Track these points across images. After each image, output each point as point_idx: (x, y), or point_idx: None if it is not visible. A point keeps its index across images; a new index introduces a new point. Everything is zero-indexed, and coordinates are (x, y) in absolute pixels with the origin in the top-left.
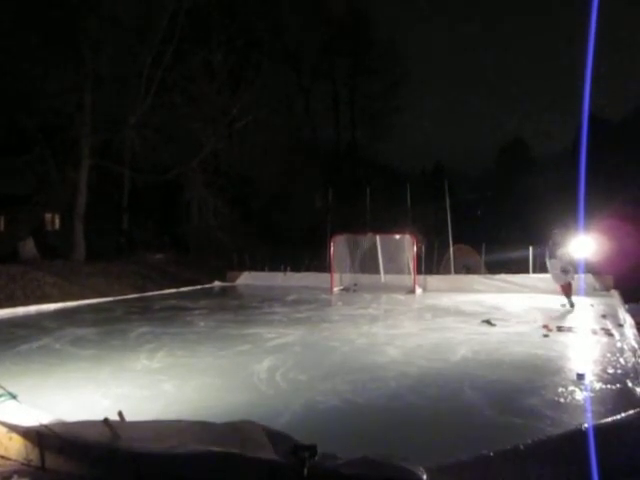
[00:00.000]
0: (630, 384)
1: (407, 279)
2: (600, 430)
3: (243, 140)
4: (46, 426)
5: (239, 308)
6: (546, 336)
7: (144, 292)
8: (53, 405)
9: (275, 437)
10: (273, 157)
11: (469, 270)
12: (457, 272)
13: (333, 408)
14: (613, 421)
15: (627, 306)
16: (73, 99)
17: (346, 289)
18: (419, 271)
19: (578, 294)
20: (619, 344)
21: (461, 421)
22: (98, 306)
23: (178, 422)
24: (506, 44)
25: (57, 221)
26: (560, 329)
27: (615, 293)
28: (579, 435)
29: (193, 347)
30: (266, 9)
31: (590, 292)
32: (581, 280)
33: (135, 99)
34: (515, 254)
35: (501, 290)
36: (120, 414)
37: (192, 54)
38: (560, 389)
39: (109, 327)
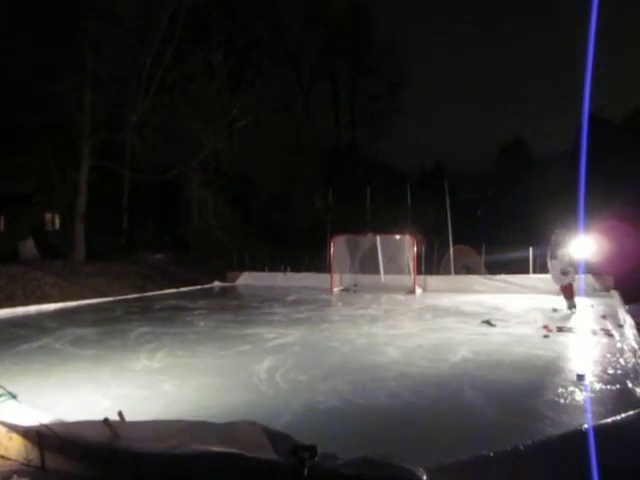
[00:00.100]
0: (630, 385)
1: (407, 279)
2: (600, 431)
3: (243, 140)
4: (46, 426)
5: (239, 308)
6: (546, 337)
7: (144, 292)
8: (53, 405)
9: (275, 437)
10: (273, 157)
11: (469, 270)
12: (457, 272)
13: (333, 408)
14: (613, 422)
15: (627, 307)
16: (73, 99)
17: (346, 289)
18: (419, 271)
19: (578, 295)
20: (619, 345)
21: (461, 421)
22: (98, 306)
23: (178, 422)
24: (506, 44)
25: (57, 221)
26: (560, 330)
27: (615, 294)
28: (579, 436)
29: (193, 347)
30: (266, 9)
31: (590, 293)
32: (581, 281)
33: (135, 99)
34: (515, 254)
35: (501, 290)
36: (120, 414)
37: (192, 54)
38: (560, 390)
39: (109, 327)
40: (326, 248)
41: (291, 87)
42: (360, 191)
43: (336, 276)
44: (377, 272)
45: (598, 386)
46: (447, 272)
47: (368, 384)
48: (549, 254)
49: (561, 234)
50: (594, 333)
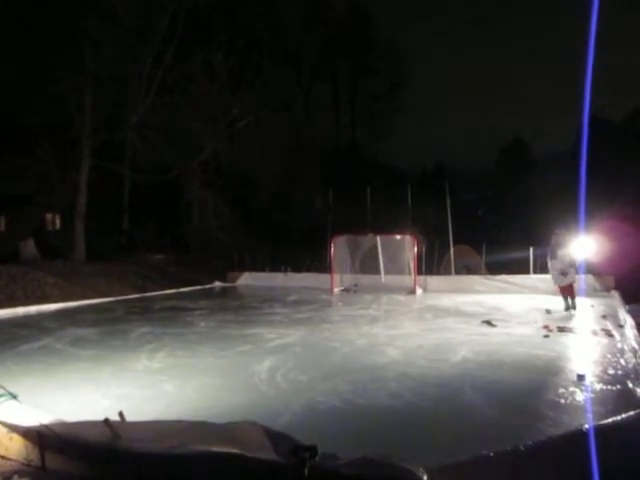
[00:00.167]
0: (630, 385)
1: (407, 280)
2: (601, 431)
3: (243, 140)
4: (46, 426)
5: (239, 308)
6: (547, 337)
7: (144, 292)
8: (54, 405)
9: (276, 437)
10: (273, 157)
11: (469, 271)
12: (457, 273)
13: (333, 408)
14: (613, 422)
15: (627, 307)
16: (74, 99)
17: (346, 290)
18: (419, 272)
19: (579, 295)
20: (619, 345)
21: (461, 421)
22: (99, 306)
23: (179, 422)
24: (506, 44)
25: (58, 221)
26: (561, 330)
27: (615, 294)
28: (579, 436)
29: (194, 347)
30: (266, 9)
31: (591, 293)
32: (582, 281)
33: (135, 99)
34: (516, 255)
35: (502, 291)
36: (121, 414)
37: (192, 54)
38: (560, 390)
39: (110, 327)
40: (326, 248)
41: (291, 87)
42: (360, 191)
43: (336, 276)
44: (377, 272)
45: (598, 386)
46: (447, 272)
47: (368, 384)
48: (549, 254)
49: (562, 234)
50: (594, 333)
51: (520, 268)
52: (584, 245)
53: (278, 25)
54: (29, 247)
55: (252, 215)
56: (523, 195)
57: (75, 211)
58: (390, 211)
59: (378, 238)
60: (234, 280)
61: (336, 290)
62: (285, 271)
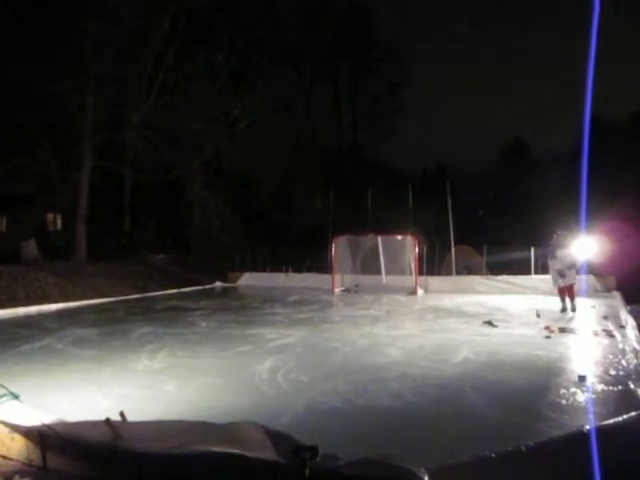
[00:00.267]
0: (632, 386)
1: (409, 280)
2: (602, 432)
3: (244, 141)
4: (48, 426)
5: (240, 309)
6: (548, 337)
7: (146, 292)
8: (55, 405)
9: (276, 438)
10: (274, 158)
11: (471, 271)
12: (459, 273)
13: (334, 409)
14: (615, 423)
15: (629, 307)
16: (75, 100)
17: (347, 290)
18: (421, 272)
19: (580, 295)
20: (621, 345)
21: (462, 422)
22: (100, 306)
23: (179, 423)
24: (507, 44)
25: (59, 222)
26: (562, 330)
27: (617, 294)
28: (581, 437)
29: (194, 347)
30: (267, 10)
31: (592, 293)
32: (583, 281)
33: (137, 100)
34: (517, 255)
35: (503, 291)
36: (122, 414)
37: (194, 55)
38: (562, 390)
39: (111, 327)
40: (327, 248)
41: (292, 88)
42: (361, 192)
43: (337, 277)
44: (378, 273)
45: (600, 387)
46: (449, 273)
47: (369, 385)
48: (549, 255)
49: (563, 235)
50: (596, 334)
51: (521, 268)
52: (585, 245)
53: (279, 25)
54: (30, 247)
55: (253, 215)
56: (524, 195)
57: (76, 212)
58: (391, 211)
59: (379, 238)
60: (235, 280)
61: (337, 290)
62: (286, 271)
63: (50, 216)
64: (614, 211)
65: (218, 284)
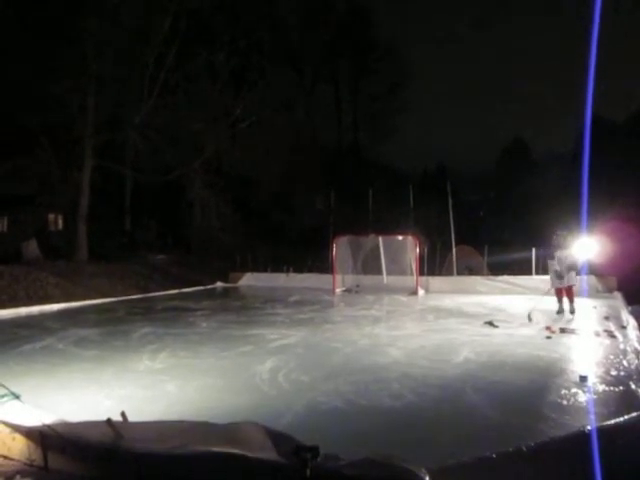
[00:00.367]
0: (633, 386)
1: (409, 280)
2: (603, 432)
3: (245, 141)
4: (49, 426)
5: (241, 309)
6: (549, 338)
7: (147, 293)
8: (56, 405)
9: (277, 438)
10: (275, 158)
11: (471, 271)
12: (459, 273)
13: (335, 409)
14: (616, 423)
15: (630, 308)
16: (75, 100)
17: (348, 290)
18: (421, 272)
19: (582, 296)
20: (622, 346)
21: (463, 422)
22: (101, 307)
23: (180, 423)
24: (507, 44)
25: (60, 222)
26: (563, 331)
27: (618, 295)
28: (582, 437)
29: (195, 348)
30: (267, 10)
31: (593, 294)
32: (584, 282)
33: (138, 100)
34: (517, 255)
35: (504, 291)
36: (123, 415)
37: (194, 55)
38: (563, 391)
39: (112, 328)
40: (328, 249)
41: (293, 88)
42: (362, 192)
43: (338, 277)
44: (379, 273)
45: (601, 387)
46: (449, 273)
47: (370, 385)
48: (549, 255)
49: (562, 235)
50: (597, 334)
51: (522, 269)
52: (586, 246)
53: (279, 26)
54: (31, 247)
55: (254, 215)
56: (524, 196)
57: (77, 212)
58: (392, 212)
59: (380, 239)
60: (236, 281)
61: (338, 291)
62: (287, 272)
63: (51, 216)
64: (615, 211)
65: (219, 284)
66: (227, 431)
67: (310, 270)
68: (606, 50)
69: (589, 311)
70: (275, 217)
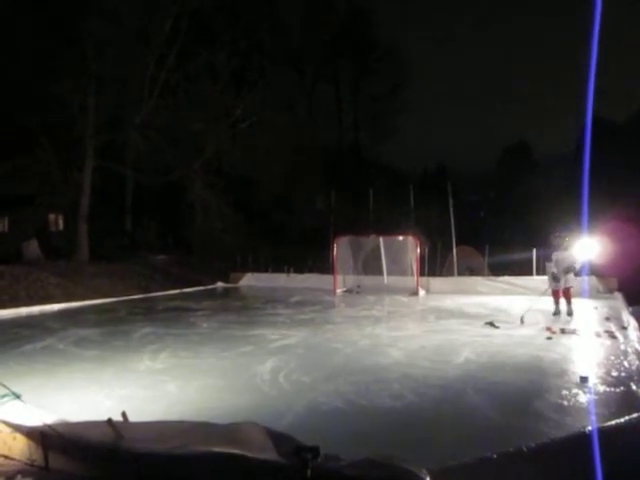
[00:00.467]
0: (634, 387)
1: (410, 281)
2: (604, 433)
3: (245, 141)
4: (50, 426)
5: (242, 309)
6: (549, 338)
7: (147, 293)
8: (57, 405)
9: (278, 438)
10: (276, 158)
11: (472, 272)
12: (460, 274)
13: (336, 409)
14: (617, 424)
15: (631, 308)
16: (76, 100)
17: (349, 291)
18: (422, 273)
19: (582, 296)
20: (623, 347)
21: (464, 423)
22: (101, 307)
23: (181, 423)
24: (507, 44)
25: (61, 222)
26: (563, 332)
27: (619, 295)
28: (582, 438)
29: (196, 348)
30: (268, 10)
31: (594, 294)
32: (585, 282)
33: (138, 100)
34: (518, 256)
35: (504, 292)
36: (123, 415)
37: (195, 55)
38: (563, 392)
39: (112, 328)
40: (329, 249)
41: (294, 88)
42: (363, 192)
43: (339, 277)
44: (380, 273)
45: (602, 388)
46: (450, 273)
47: (371, 385)
48: (547, 257)
49: (561, 237)
50: (598, 335)
51: (523, 269)
52: (587, 247)
53: (280, 26)
54: (32, 247)
55: (254, 216)
56: (525, 196)
57: (78, 212)
58: (392, 212)
59: (381, 239)
60: (237, 281)
61: (339, 291)
62: (287, 272)
63: (52, 216)
64: (615, 212)
65: (220, 285)
66: (228, 431)
67: (311, 270)
68: (606, 50)
69: (590, 312)
70: (276, 217)
